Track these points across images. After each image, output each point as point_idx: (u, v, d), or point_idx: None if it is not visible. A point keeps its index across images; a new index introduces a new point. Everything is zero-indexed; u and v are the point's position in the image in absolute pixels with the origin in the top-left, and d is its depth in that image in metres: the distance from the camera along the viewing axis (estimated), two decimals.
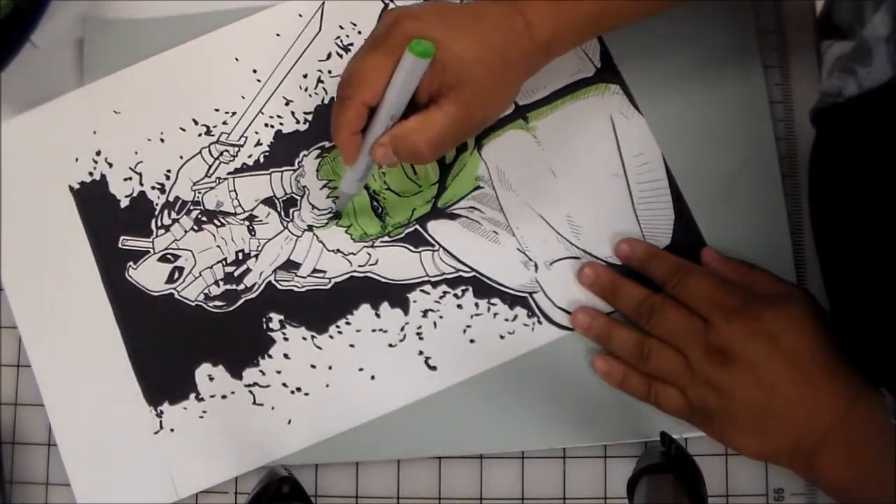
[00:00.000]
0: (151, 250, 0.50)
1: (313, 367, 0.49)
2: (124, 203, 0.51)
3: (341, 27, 0.51)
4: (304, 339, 0.49)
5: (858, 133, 0.39)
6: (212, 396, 0.49)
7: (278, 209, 0.50)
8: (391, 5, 0.52)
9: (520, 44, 0.41)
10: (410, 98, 0.41)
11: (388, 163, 0.43)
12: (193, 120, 0.51)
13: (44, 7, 0.50)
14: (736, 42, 0.50)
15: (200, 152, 0.51)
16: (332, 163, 0.50)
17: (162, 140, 0.51)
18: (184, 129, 0.51)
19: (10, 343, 0.51)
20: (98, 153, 0.51)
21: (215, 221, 0.50)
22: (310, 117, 0.51)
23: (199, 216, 0.50)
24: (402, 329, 0.49)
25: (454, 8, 0.42)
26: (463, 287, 0.49)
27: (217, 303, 0.50)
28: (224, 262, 0.50)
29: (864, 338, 0.40)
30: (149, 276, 0.50)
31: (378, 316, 0.49)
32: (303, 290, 0.50)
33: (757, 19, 0.51)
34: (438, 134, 0.41)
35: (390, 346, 0.49)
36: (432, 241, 0.50)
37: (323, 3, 0.52)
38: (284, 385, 0.49)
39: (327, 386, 0.49)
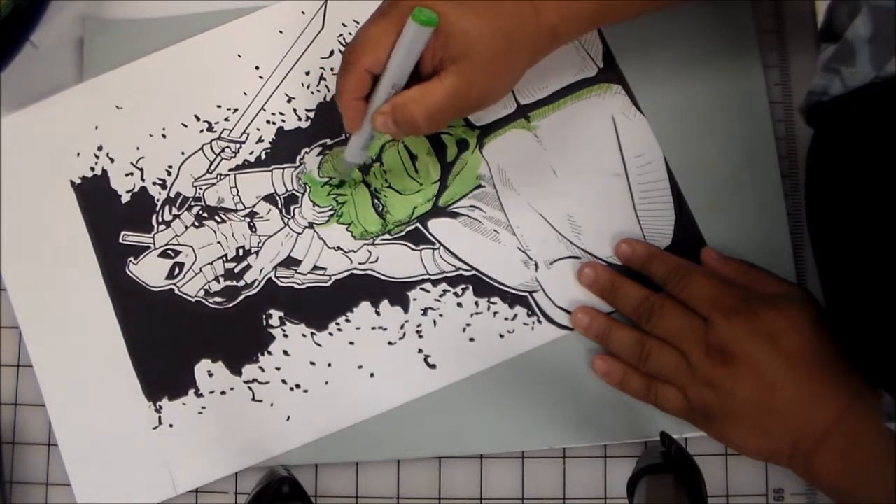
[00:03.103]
0: (152, 246, 0.50)
1: (313, 364, 0.49)
2: (125, 198, 0.51)
3: (344, 24, 0.52)
4: (304, 336, 0.49)
5: (848, 132, 0.39)
6: (211, 392, 0.49)
7: (279, 206, 0.50)
8: None
9: (526, 26, 0.41)
10: (414, 69, 0.41)
11: (388, 132, 0.43)
12: (195, 116, 0.51)
13: (44, 7, 0.50)
14: (736, 42, 0.50)
15: (202, 148, 0.51)
16: (334, 160, 0.50)
17: (164, 136, 0.51)
18: (185, 125, 0.51)
19: (10, 343, 0.51)
20: (100, 148, 0.51)
21: (216, 217, 0.50)
22: (312, 114, 0.51)
23: (200, 212, 0.50)
24: (402, 327, 0.49)
25: None
26: (463, 285, 0.49)
27: (217, 299, 0.50)
28: (224, 259, 0.50)
29: (861, 339, 0.40)
30: (149, 271, 0.50)
31: (378, 313, 0.49)
32: (303, 287, 0.49)
33: (757, 19, 0.51)
34: (436, 106, 0.41)
35: (390, 343, 0.49)
36: (433, 240, 0.50)
37: (326, 0, 0.52)
38: (283, 382, 0.49)
39: (326, 383, 0.49)
